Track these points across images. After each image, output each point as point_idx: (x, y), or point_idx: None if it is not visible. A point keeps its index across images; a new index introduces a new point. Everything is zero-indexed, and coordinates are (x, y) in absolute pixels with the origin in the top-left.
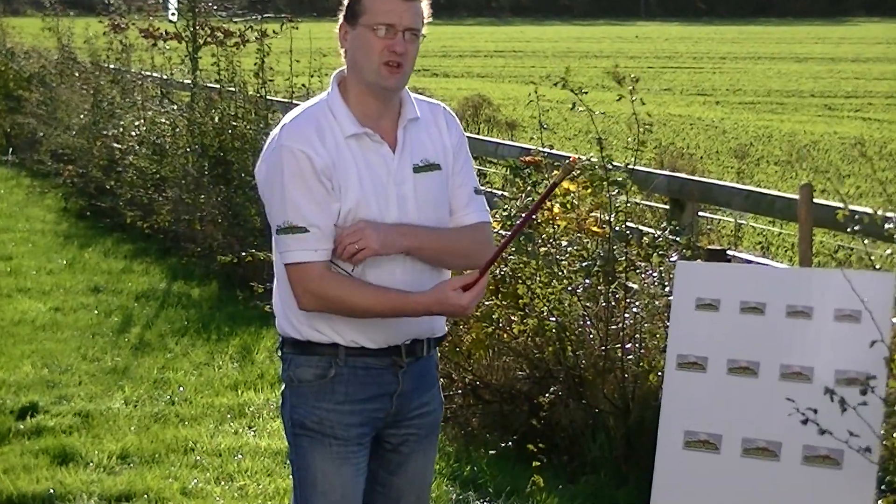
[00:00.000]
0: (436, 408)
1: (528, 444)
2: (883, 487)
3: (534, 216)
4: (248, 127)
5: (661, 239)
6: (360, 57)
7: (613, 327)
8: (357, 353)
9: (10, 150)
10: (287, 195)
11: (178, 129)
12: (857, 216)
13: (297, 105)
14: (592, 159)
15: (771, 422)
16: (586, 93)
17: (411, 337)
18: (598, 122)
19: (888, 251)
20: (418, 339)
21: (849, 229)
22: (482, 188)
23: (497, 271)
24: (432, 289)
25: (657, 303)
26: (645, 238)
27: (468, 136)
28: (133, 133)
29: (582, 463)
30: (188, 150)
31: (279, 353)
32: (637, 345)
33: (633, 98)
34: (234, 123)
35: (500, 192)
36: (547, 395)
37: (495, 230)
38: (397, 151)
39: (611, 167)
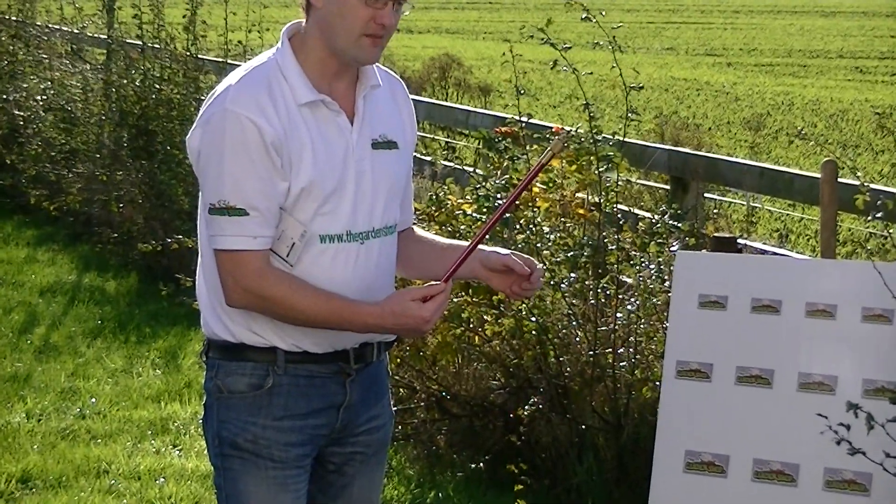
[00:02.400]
0: (386, 421)
1: (503, 466)
2: None
3: (508, 212)
4: (176, 91)
5: (659, 225)
6: (336, 22)
7: (604, 329)
8: (299, 358)
9: None
10: (226, 169)
11: (91, 94)
12: (879, 200)
13: (233, 66)
14: (579, 130)
15: (787, 440)
16: (569, 47)
17: (360, 340)
18: (585, 86)
19: None
20: (368, 343)
21: (870, 215)
22: (451, 164)
23: None
24: (387, 299)
25: (655, 300)
26: (641, 224)
27: (433, 102)
28: (38, 98)
29: (566, 488)
30: (104, 118)
31: (204, 359)
32: (631, 349)
33: (613, 47)
34: (159, 87)
35: (471, 169)
36: (525, 408)
37: (468, 213)
38: (356, 123)
39: (601, 139)
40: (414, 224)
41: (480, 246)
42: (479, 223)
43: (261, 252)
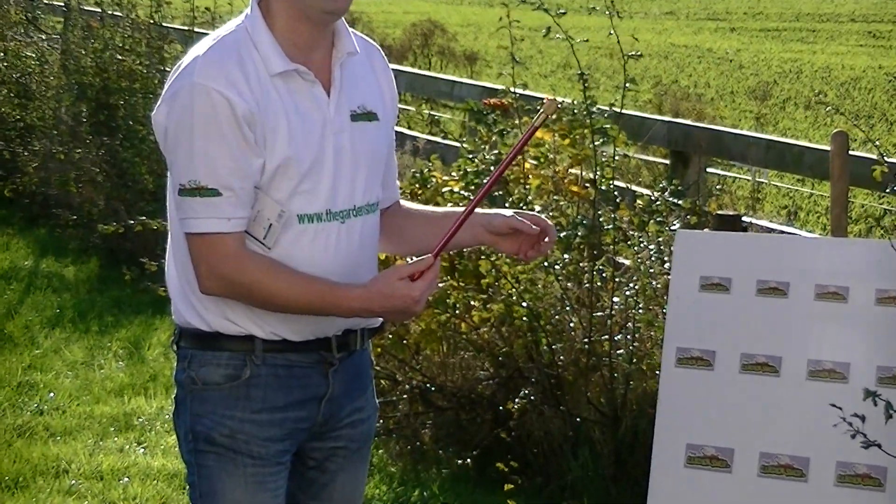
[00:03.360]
0: (370, 414)
1: (492, 462)
2: None
3: (498, 181)
4: (138, 62)
5: (658, 202)
6: None
7: (599, 314)
8: (277, 347)
9: None
10: (196, 147)
11: (48, 66)
12: None
13: (200, 35)
14: (573, 101)
15: (796, 432)
16: (563, 13)
17: (343, 327)
18: (579, 53)
19: None
20: (351, 330)
21: (889, 188)
22: (435, 138)
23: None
24: (374, 280)
25: (654, 283)
26: (639, 201)
27: (415, 73)
28: None
29: (560, 486)
30: (61, 91)
31: (175, 348)
32: (629, 336)
33: (609, 12)
34: (121, 57)
35: (457, 144)
36: (516, 400)
37: (454, 191)
38: (333, 93)
39: (595, 111)
40: (400, 199)
41: (479, 209)
42: (466, 201)
43: (236, 235)
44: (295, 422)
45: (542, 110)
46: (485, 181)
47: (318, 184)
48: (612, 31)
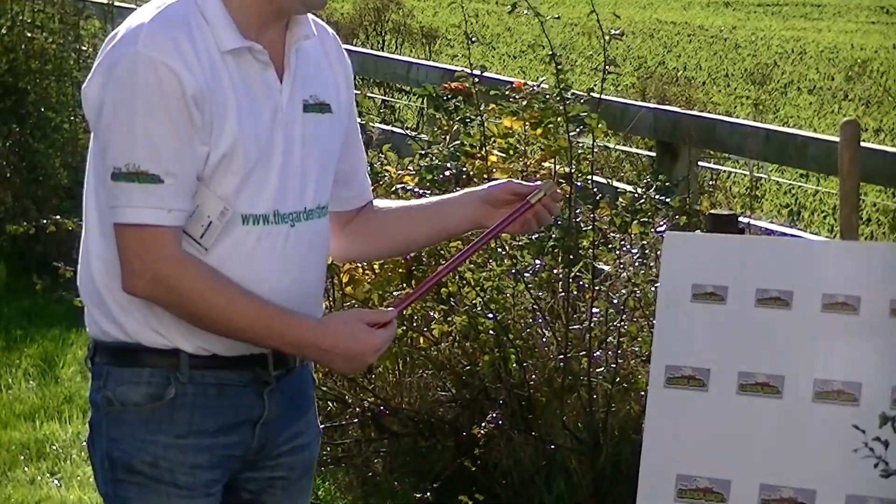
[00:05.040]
0: (312, 439)
1: (454, 495)
2: None
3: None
4: (51, 40)
5: (643, 200)
6: None
7: (576, 327)
8: (206, 363)
9: None
10: (138, 126)
11: None
12: None
13: (122, 10)
14: (544, 85)
15: (801, 461)
16: None
17: None
18: (552, 32)
19: None
20: None
21: None
22: (388, 127)
23: None
24: (330, 316)
25: (639, 292)
26: (621, 199)
27: (366, 53)
28: None
29: None
30: None
31: (89, 364)
32: (610, 353)
33: None
34: (30, 35)
35: (413, 134)
36: (482, 424)
37: (409, 188)
38: (286, 80)
39: (571, 97)
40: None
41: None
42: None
43: (175, 229)
44: (226, 448)
45: (541, 189)
46: (444, 177)
47: (265, 180)
48: (593, 9)
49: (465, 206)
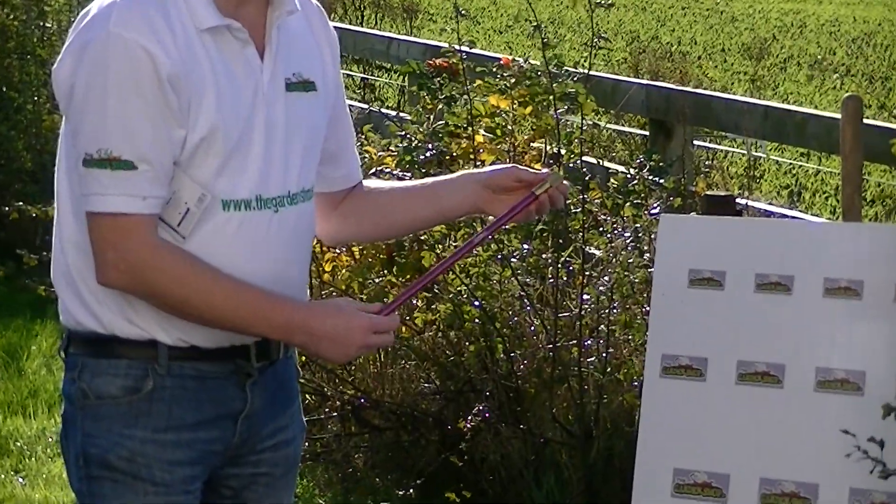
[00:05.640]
0: (296, 434)
1: (439, 492)
2: None
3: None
4: (13, 17)
5: (636, 181)
6: None
7: (566, 315)
8: (185, 355)
9: None
10: (111, 110)
11: None
12: None
13: None
14: (533, 61)
15: (802, 454)
16: None
17: None
18: (539, 4)
19: None
20: None
21: None
22: (368, 106)
23: None
24: (322, 300)
25: (632, 277)
26: (613, 180)
27: (344, 28)
28: None
29: None
30: None
31: (62, 355)
32: (602, 341)
33: None
34: None
35: (394, 114)
36: (468, 417)
37: (390, 170)
38: (267, 57)
39: (560, 73)
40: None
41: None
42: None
43: (151, 217)
44: (206, 443)
45: (546, 180)
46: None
47: (246, 163)
48: None
49: (465, 190)
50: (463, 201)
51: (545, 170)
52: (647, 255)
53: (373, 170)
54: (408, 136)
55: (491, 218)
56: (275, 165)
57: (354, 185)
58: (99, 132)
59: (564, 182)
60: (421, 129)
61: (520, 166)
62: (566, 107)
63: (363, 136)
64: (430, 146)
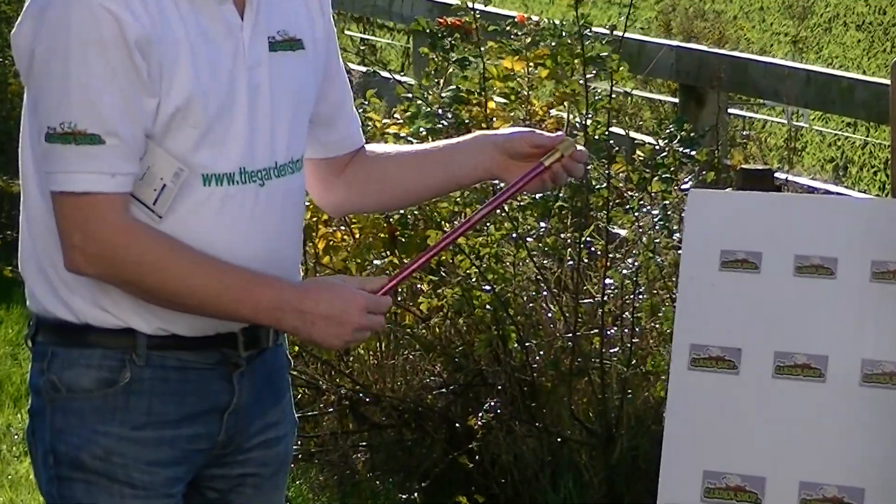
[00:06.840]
0: (287, 431)
1: (447, 495)
2: None
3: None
4: None
5: (665, 153)
6: None
7: (587, 301)
8: (166, 344)
9: None
10: (73, 79)
11: None
12: None
13: None
14: (555, 21)
15: (846, 454)
16: None
17: None
18: None
19: None
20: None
21: None
22: (370, 69)
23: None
24: (315, 279)
25: (660, 259)
26: (639, 152)
27: None
28: None
29: None
30: None
31: (29, 344)
32: (626, 330)
33: None
34: None
35: (400, 77)
36: (479, 414)
37: (401, 135)
38: (248, 15)
39: (587, 33)
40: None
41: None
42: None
43: (121, 196)
44: (190, 441)
45: (558, 148)
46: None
47: (228, 133)
48: None
49: (481, 154)
50: (477, 166)
51: (560, 133)
52: (677, 235)
53: (377, 139)
54: (425, 98)
55: (503, 187)
56: (260, 135)
57: (355, 149)
58: (62, 103)
59: (580, 149)
60: (436, 93)
61: (538, 130)
62: (594, 72)
63: (366, 102)
64: (449, 113)
